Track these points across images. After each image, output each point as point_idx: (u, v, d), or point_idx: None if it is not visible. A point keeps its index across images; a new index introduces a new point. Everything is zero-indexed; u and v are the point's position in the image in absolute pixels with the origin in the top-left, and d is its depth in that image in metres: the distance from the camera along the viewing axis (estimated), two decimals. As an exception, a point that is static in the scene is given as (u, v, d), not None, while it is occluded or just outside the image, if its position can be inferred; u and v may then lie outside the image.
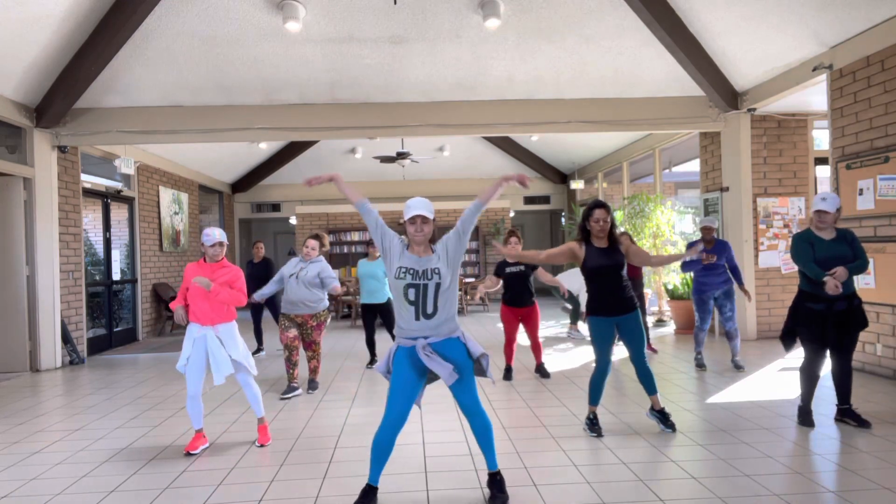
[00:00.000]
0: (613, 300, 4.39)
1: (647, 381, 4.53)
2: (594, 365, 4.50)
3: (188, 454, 4.27)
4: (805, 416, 4.53)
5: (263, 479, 3.78)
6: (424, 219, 3.34)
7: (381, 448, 3.30)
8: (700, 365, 6.62)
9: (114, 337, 9.73)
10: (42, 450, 4.50)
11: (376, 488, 3.36)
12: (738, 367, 6.50)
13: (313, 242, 6.22)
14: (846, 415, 4.53)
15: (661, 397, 4.80)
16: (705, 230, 6.59)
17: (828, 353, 4.49)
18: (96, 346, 9.22)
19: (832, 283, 4.21)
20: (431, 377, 3.42)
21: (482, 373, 3.42)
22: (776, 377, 6.10)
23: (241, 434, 4.70)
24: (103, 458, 4.26)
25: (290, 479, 3.76)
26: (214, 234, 4.40)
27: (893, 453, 3.90)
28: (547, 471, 3.78)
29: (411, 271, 3.29)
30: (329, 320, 6.34)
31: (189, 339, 4.37)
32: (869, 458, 3.85)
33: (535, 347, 6.52)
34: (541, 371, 6.50)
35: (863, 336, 6.21)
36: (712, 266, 6.46)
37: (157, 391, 6.33)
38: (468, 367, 3.34)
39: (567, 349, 8.17)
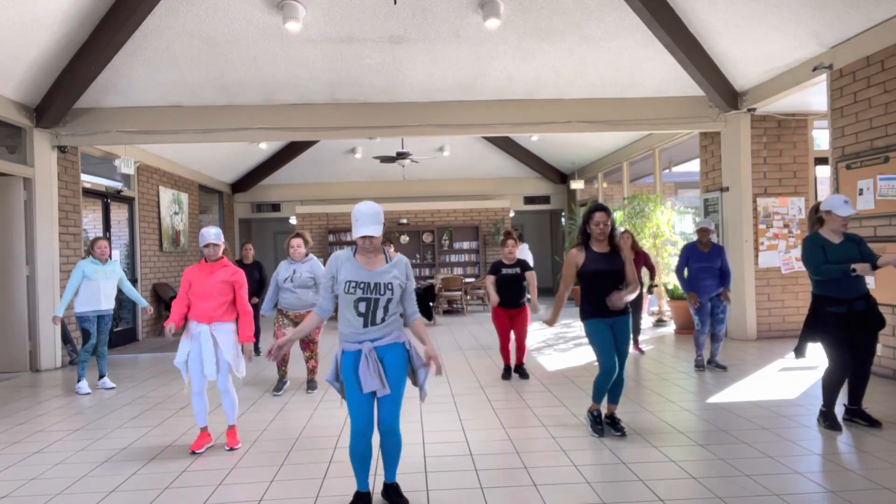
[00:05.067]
0: (607, 304, 4.36)
1: (617, 389, 4.47)
2: (598, 367, 4.46)
3: (193, 453, 4.27)
4: (832, 421, 4.44)
5: (263, 479, 3.78)
6: (370, 240, 3.14)
7: (360, 457, 3.19)
8: (699, 366, 6.56)
9: (114, 337, 9.71)
10: (42, 450, 4.50)
11: (367, 493, 3.28)
12: (721, 368, 6.48)
13: (298, 241, 6.12)
14: (856, 415, 4.52)
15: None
16: (702, 232, 6.54)
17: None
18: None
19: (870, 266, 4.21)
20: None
21: (415, 383, 3.30)
22: (776, 377, 6.10)
23: (242, 434, 4.69)
24: (103, 458, 4.26)
25: (290, 479, 3.76)
26: (208, 234, 4.37)
27: (893, 453, 3.90)
28: (547, 471, 3.78)
29: (361, 285, 3.14)
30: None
31: (187, 335, 4.38)
32: (869, 458, 3.85)
33: (520, 348, 6.54)
34: (520, 371, 6.50)
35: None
36: (708, 268, 6.43)
37: (157, 391, 6.33)
38: (402, 380, 3.20)
39: (567, 349, 8.17)
